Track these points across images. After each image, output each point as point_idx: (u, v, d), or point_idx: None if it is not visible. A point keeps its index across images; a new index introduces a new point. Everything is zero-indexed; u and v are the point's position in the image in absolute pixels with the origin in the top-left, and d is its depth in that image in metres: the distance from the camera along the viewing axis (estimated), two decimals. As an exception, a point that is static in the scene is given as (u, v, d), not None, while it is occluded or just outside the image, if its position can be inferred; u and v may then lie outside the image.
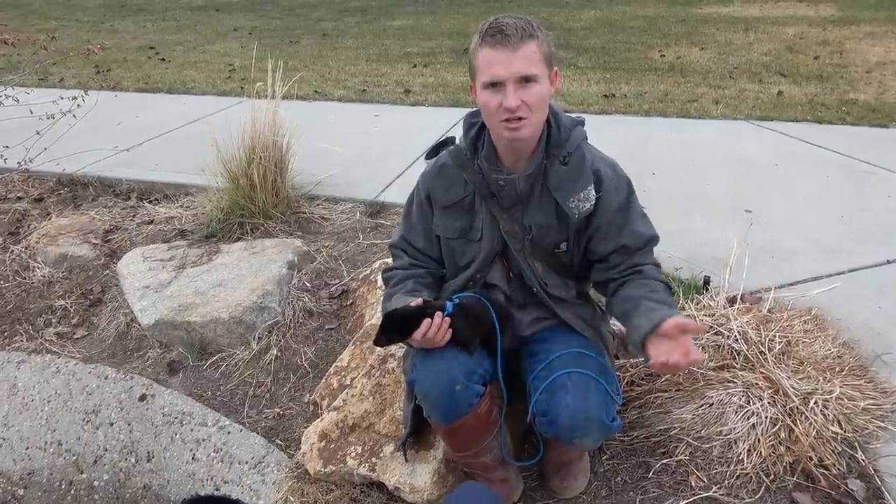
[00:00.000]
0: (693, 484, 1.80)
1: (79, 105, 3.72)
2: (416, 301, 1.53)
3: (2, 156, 3.63)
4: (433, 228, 1.70)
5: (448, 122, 4.50)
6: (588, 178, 1.57)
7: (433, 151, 1.73)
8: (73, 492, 2.31)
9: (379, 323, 1.55)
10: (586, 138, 1.63)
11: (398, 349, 2.09)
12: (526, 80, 1.43)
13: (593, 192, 1.57)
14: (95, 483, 2.29)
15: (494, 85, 1.44)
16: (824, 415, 1.85)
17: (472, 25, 8.28)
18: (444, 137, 1.77)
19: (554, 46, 1.52)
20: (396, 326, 1.53)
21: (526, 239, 1.61)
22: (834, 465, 1.77)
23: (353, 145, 4.10)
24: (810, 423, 1.82)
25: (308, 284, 2.76)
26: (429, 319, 1.50)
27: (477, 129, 1.62)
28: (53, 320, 2.82)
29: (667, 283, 1.60)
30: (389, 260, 2.61)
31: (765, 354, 2.01)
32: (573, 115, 1.65)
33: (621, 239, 1.59)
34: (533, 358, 1.63)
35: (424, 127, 4.46)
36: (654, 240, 1.64)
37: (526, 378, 1.65)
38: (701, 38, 7.11)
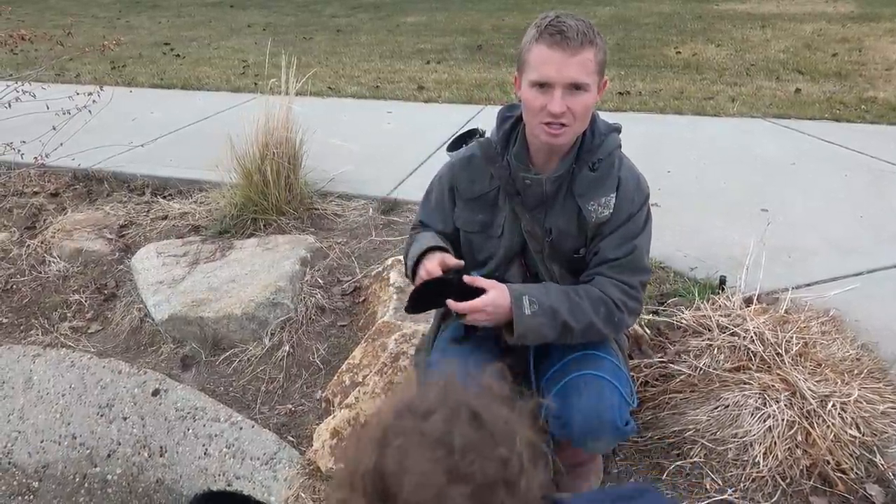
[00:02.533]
0: (708, 486, 1.78)
1: (94, 101, 3.75)
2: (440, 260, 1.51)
3: (19, 151, 3.67)
4: (454, 220, 1.68)
5: (461, 119, 4.48)
6: (612, 186, 1.52)
7: (454, 144, 1.71)
8: (86, 485, 2.32)
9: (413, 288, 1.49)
10: (620, 146, 1.58)
11: (409, 347, 2.09)
12: (576, 87, 1.38)
13: (613, 200, 1.52)
14: (109, 477, 2.31)
15: (542, 85, 1.39)
16: (842, 418, 1.82)
17: (486, 22, 8.26)
18: (466, 129, 1.74)
19: (608, 54, 1.46)
20: (432, 293, 1.47)
21: (546, 241, 1.58)
22: (852, 469, 1.75)
23: (366, 142, 4.11)
24: (828, 426, 1.80)
25: (320, 281, 2.76)
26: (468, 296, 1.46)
27: (511, 123, 1.58)
28: (68, 314, 2.84)
29: (613, 302, 1.51)
30: (401, 257, 2.60)
31: (781, 356, 1.99)
32: (610, 122, 1.60)
33: (603, 244, 1.54)
34: (546, 359, 1.62)
35: (438, 124, 4.45)
36: (631, 254, 1.53)
37: (538, 380, 1.63)
38: (717, 35, 7.04)
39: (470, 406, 0.76)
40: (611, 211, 1.52)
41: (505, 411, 0.77)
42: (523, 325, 1.47)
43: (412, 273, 1.59)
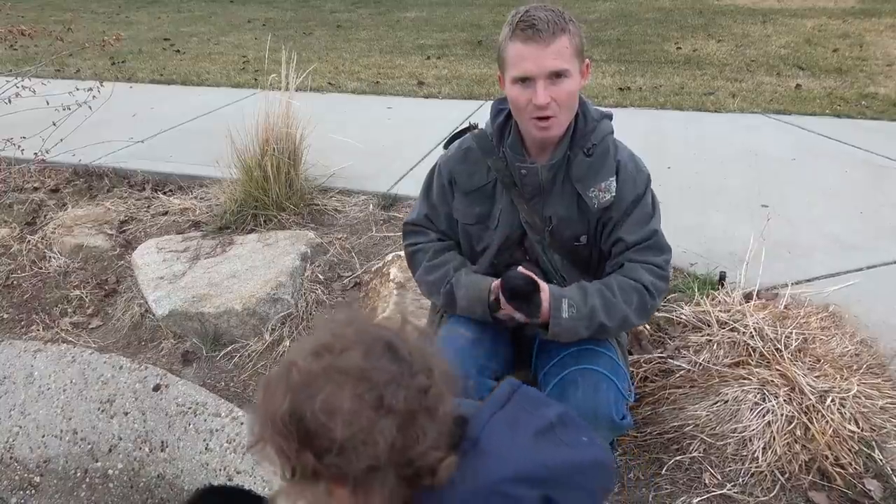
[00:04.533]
0: (707, 481, 1.79)
1: (94, 96, 3.74)
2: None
3: (19, 146, 3.66)
4: (453, 212, 1.69)
5: (461, 115, 4.48)
6: (610, 170, 1.54)
7: (451, 142, 1.72)
8: (88, 480, 2.33)
9: (500, 286, 1.50)
10: (612, 132, 1.59)
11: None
12: (557, 75, 1.40)
13: (614, 184, 1.54)
14: (110, 471, 2.32)
15: (524, 80, 1.42)
16: (841, 413, 1.83)
17: (486, 17, 8.24)
18: (461, 127, 1.75)
19: (585, 38, 1.48)
20: (521, 292, 1.49)
21: (546, 231, 1.59)
22: (850, 464, 1.75)
23: (366, 137, 4.10)
24: (827, 422, 1.80)
25: (321, 276, 2.76)
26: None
27: (504, 115, 1.60)
28: (69, 310, 2.84)
29: (645, 287, 1.53)
30: (401, 252, 2.60)
31: (781, 351, 1.99)
32: (601, 109, 1.62)
33: (621, 231, 1.56)
34: (545, 353, 1.62)
35: (438, 119, 4.44)
36: (652, 237, 1.56)
37: (537, 373, 1.64)
38: (718, 31, 7.03)
39: (384, 340, 0.78)
40: (613, 195, 1.54)
41: (417, 342, 0.81)
42: (560, 326, 1.49)
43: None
